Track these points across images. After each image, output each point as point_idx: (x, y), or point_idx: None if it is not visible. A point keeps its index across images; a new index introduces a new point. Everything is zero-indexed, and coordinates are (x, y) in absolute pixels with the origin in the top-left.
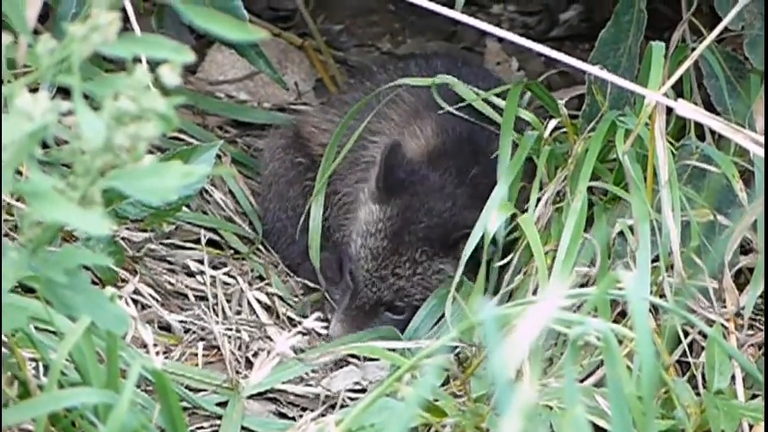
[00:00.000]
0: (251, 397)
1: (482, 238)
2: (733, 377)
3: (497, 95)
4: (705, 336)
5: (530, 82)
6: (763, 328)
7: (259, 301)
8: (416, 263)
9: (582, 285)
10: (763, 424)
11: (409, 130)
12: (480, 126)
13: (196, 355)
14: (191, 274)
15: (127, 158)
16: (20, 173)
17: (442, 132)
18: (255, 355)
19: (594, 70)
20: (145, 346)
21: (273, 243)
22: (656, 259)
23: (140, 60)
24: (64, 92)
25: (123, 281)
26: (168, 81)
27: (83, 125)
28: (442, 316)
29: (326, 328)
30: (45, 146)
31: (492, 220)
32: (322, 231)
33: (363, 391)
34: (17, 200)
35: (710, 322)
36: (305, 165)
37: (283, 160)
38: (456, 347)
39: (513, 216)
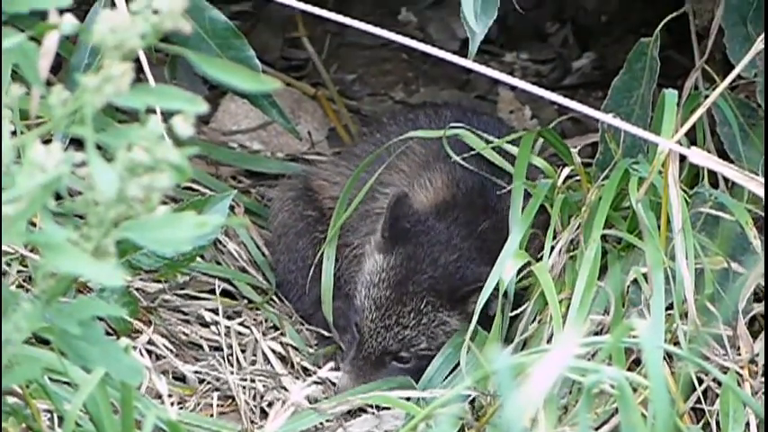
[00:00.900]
0: None
1: (495, 287)
2: (747, 424)
3: (510, 143)
4: (719, 383)
5: (543, 129)
6: None
7: (273, 351)
8: (421, 313)
9: (596, 333)
10: None
11: (419, 181)
12: (492, 180)
13: (211, 405)
14: (205, 325)
15: (140, 209)
16: (33, 224)
17: (453, 184)
18: (270, 405)
19: (608, 118)
20: (159, 396)
21: (285, 294)
22: (670, 307)
23: (154, 111)
24: (77, 143)
25: (137, 331)
26: (181, 132)
27: (96, 176)
28: (457, 365)
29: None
30: (58, 197)
31: (506, 269)
32: (334, 282)
33: None
34: (31, 251)
35: (725, 369)
36: (314, 217)
37: (292, 212)
38: (471, 396)
39: (525, 264)
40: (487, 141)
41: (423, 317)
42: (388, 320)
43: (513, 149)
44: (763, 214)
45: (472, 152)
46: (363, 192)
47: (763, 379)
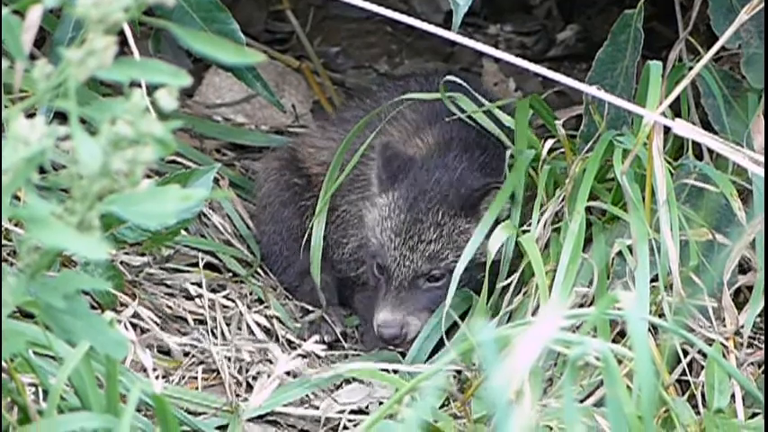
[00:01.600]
0: (251, 420)
1: (483, 258)
2: (733, 396)
3: (496, 111)
4: (704, 355)
5: (531, 97)
6: (762, 346)
7: (258, 324)
8: (440, 225)
9: (581, 305)
10: None
11: (411, 143)
12: (486, 135)
13: (196, 378)
14: (189, 298)
15: (124, 183)
16: (18, 198)
17: (445, 135)
18: (255, 377)
19: (592, 90)
20: (144, 369)
21: (270, 266)
22: (654, 279)
23: (138, 84)
24: (61, 116)
25: (122, 305)
26: (165, 105)
27: (80, 150)
28: (442, 341)
29: (328, 349)
30: (42, 171)
31: (494, 240)
32: (321, 252)
33: (364, 413)
34: (15, 225)
35: (710, 341)
36: (301, 185)
37: (278, 181)
38: (456, 369)
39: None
40: (479, 105)
41: (443, 228)
42: (411, 241)
43: (502, 117)
44: (747, 186)
45: (464, 113)
46: (356, 158)
47: (748, 350)
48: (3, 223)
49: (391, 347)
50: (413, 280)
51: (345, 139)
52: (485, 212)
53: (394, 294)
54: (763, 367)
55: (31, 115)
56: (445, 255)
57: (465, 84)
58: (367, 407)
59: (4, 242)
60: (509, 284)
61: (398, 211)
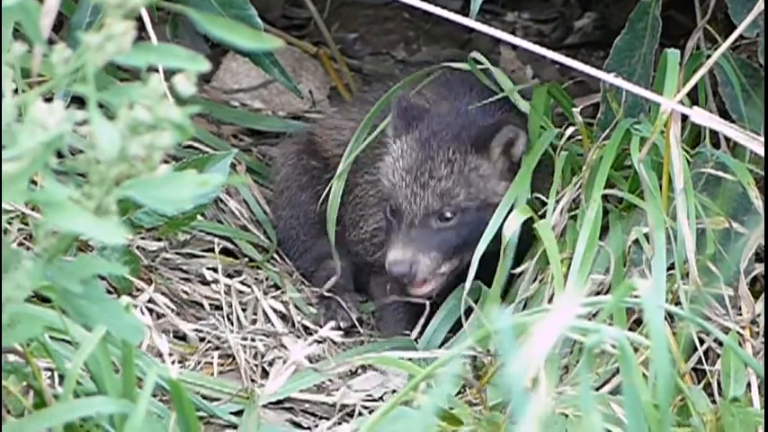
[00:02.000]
0: (266, 406)
1: (498, 242)
2: (749, 385)
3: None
4: (721, 343)
5: (550, 84)
6: None
7: (274, 310)
8: (451, 161)
9: (597, 293)
10: None
11: None
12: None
13: (211, 363)
14: (205, 283)
15: (142, 168)
16: (35, 182)
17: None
18: (271, 363)
19: (609, 78)
20: (160, 355)
21: (287, 251)
22: (671, 267)
23: (155, 69)
24: (78, 101)
25: (138, 290)
26: (184, 90)
27: (98, 135)
28: (456, 326)
29: (344, 335)
30: (60, 155)
31: (509, 224)
32: (336, 239)
33: (379, 400)
34: (32, 209)
35: (726, 330)
36: (319, 169)
37: (296, 165)
38: (472, 355)
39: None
40: (501, 89)
41: (454, 164)
42: (422, 178)
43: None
44: (764, 174)
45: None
46: (374, 135)
47: (764, 339)
48: (20, 207)
49: (404, 284)
50: (424, 218)
51: (366, 118)
52: (496, 150)
53: (405, 232)
54: None
55: (48, 100)
56: (456, 192)
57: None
58: (381, 397)
59: (21, 226)
60: (524, 272)
61: (410, 150)
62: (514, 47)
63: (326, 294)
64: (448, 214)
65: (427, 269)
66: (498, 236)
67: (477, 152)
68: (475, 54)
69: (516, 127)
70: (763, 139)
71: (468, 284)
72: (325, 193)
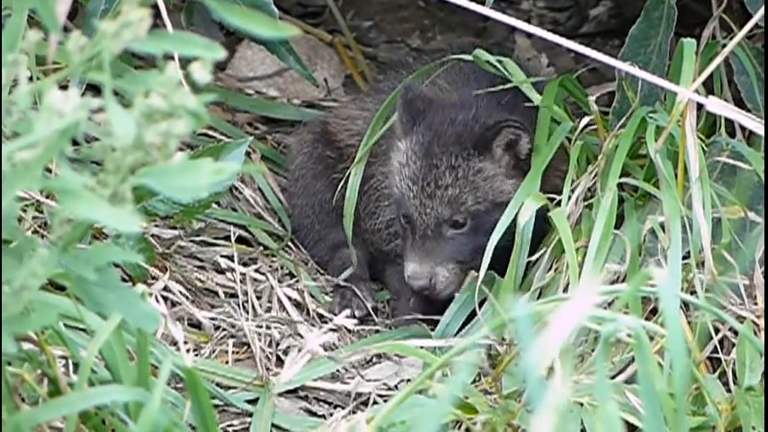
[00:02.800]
0: (281, 394)
1: (512, 232)
2: (764, 374)
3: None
4: (736, 332)
5: (564, 77)
6: None
7: (289, 298)
8: (455, 167)
9: (612, 282)
10: None
11: None
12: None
13: (226, 352)
14: (220, 271)
15: (157, 156)
16: (49, 170)
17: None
18: (286, 352)
19: (625, 67)
20: (175, 343)
21: (302, 239)
22: (686, 256)
23: (171, 57)
24: (93, 89)
25: (153, 278)
26: (199, 78)
27: (113, 122)
28: (471, 316)
29: (359, 324)
30: (75, 143)
31: (524, 211)
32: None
33: (394, 389)
34: (46, 197)
35: (741, 319)
36: (333, 158)
37: (311, 154)
38: (487, 344)
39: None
40: (510, 81)
41: (458, 170)
42: (428, 188)
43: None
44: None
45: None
46: (388, 124)
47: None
48: (34, 195)
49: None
50: (436, 227)
51: (381, 109)
52: (498, 151)
53: (420, 244)
54: None
55: (62, 87)
56: (464, 198)
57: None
58: (396, 385)
59: (36, 214)
60: (539, 260)
61: (414, 157)
62: (529, 35)
63: (341, 283)
64: (460, 220)
65: (446, 280)
66: (511, 229)
67: (480, 155)
68: (481, 50)
69: (517, 128)
70: None
71: (481, 273)
72: (340, 184)
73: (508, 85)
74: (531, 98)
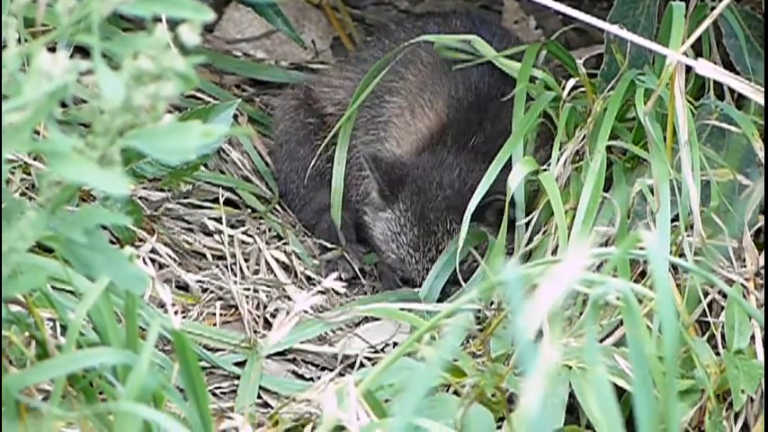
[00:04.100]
0: (269, 356)
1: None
2: (753, 337)
3: (515, 56)
4: (725, 295)
5: (548, 41)
6: None
7: (277, 260)
8: (450, 232)
9: (601, 245)
10: None
11: (419, 102)
12: (492, 92)
13: (214, 314)
14: (208, 234)
15: (146, 118)
16: (37, 132)
17: (452, 105)
18: (273, 314)
19: (614, 29)
20: (162, 305)
21: (288, 203)
22: (675, 219)
23: (159, 19)
24: (81, 51)
25: (141, 240)
26: (188, 40)
27: (102, 85)
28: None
29: (347, 287)
30: (63, 105)
31: (514, 175)
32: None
33: (381, 351)
34: (35, 159)
35: (730, 282)
36: (315, 125)
37: (294, 120)
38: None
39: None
40: (496, 51)
41: (452, 234)
42: (430, 254)
43: (518, 64)
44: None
45: (477, 61)
46: (367, 91)
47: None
48: (23, 157)
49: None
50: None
51: (363, 80)
52: (491, 218)
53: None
54: None
55: (50, 50)
56: (466, 259)
57: (485, 23)
58: (383, 348)
59: (24, 176)
60: (528, 223)
61: (410, 225)
62: None
63: (328, 245)
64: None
65: None
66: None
67: (474, 221)
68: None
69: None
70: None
71: (462, 235)
72: (318, 151)
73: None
74: (508, 73)
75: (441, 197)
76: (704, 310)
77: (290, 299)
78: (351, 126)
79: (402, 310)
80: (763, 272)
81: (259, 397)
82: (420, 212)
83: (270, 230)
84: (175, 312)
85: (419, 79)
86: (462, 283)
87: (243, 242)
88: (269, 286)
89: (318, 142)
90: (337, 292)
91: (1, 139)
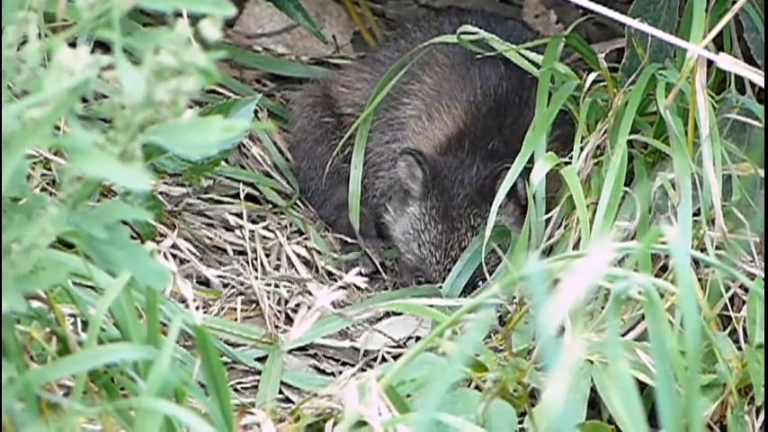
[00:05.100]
0: (290, 352)
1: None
2: None
3: (535, 48)
4: (746, 290)
5: (568, 34)
6: None
7: (298, 256)
8: (474, 228)
9: (622, 240)
10: None
11: (437, 107)
12: (511, 95)
13: (235, 309)
14: (229, 229)
15: (167, 113)
16: (58, 128)
17: (469, 111)
18: (295, 309)
19: (635, 23)
20: (183, 301)
21: (308, 199)
22: (696, 213)
23: (180, 14)
24: (101, 46)
25: (161, 235)
26: (209, 35)
27: (123, 80)
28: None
29: (367, 281)
30: (84, 101)
31: (536, 171)
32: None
33: (403, 346)
34: (54, 154)
35: (752, 276)
36: (332, 124)
37: (311, 118)
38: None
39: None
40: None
41: (477, 230)
42: (452, 251)
43: (537, 57)
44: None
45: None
46: (383, 93)
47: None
48: (43, 152)
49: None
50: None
51: (379, 83)
52: (501, 195)
53: None
54: None
55: (71, 45)
56: (487, 259)
57: (501, 20)
58: (405, 343)
59: (44, 172)
60: (549, 218)
61: (434, 222)
62: None
63: (349, 240)
64: (479, 283)
65: None
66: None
67: (488, 203)
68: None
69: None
70: None
71: (488, 232)
72: (335, 150)
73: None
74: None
75: (461, 194)
76: (726, 304)
77: (311, 294)
78: (367, 128)
79: (423, 305)
80: None
81: (280, 392)
82: (444, 210)
83: (291, 226)
84: (196, 308)
85: (435, 81)
86: (488, 276)
87: (264, 237)
88: (290, 281)
89: (335, 141)
90: (358, 288)
91: (1, 139)
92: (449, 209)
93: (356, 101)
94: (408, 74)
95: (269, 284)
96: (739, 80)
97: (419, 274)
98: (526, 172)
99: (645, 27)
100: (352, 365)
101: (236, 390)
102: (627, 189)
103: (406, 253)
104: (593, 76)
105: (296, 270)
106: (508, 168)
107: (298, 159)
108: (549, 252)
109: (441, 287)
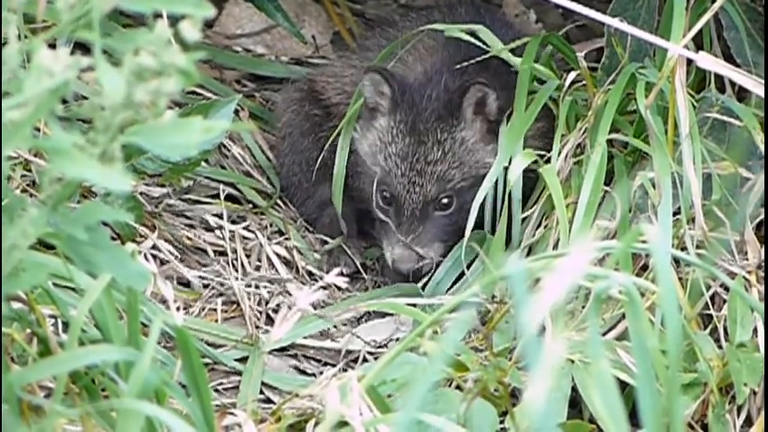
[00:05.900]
0: (271, 352)
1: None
2: (755, 330)
3: (520, 50)
4: (727, 289)
5: (549, 34)
6: None
7: (278, 256)
8: (441, 142)
9: (602, 239)
10: None
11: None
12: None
13: (215, 310)
14: (209, 229)
15: (147, 114)
16: (38, 129)
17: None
18: (275, 310)
19: (614, 22)
20: (164, 301)
21: (290, 197)
22: (677, 212)
23: (160, 15)
24: (81, 47)
25: (142, 236)
26: (189, 36)
27: (103, 81)
28: (462, 274)
29: (348, 281)
30: (64, 102)
31: (513, 168)
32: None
33: (384, 347)
34: (35, 155)
35: (732, 275)
36: (319, 116)
37: (298, 112)
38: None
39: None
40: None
41: (444, 144)
42: (418, 164)
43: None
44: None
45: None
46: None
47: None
48: (23, 154)
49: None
50: (423, 208)
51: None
52: (469, 112)
53: (406, 227)
54: None
55: (50, 46)
56: (452, 175)
57: (489, 11)
58: (386, 343)
59: (25, 173)
60: (529, 217)
61: (401, 135)
62: None
63: (329, 240)
64: (445, 200)
65: (431, 263)
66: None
67: (457, 120)
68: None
69: (483, 85)
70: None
71: (467, 232)
72: (327, 143)
73: (487, 56)
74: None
75: (430, 109)
76: (706, 303)
77: (291, 294)
78: (356, 115)
79: (404, 304)
80: (764, 264)
81: (261, 393)
82: (412, 123)
83: (271, 226)
84: (177, 309)
85: (415, 58)
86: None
87: (244, 238)
88: (270, 282)
89: (323, 134)
90: (339, 288)
91: (1, 139)
92: (416, 123)
93: (345, 88)
94: (398, 61)
95: (249, 285)
96: (719, 79)
97: (384, 188)
98: (497, 85)
99: (624, 26)
100: (333, 366)
101: (217, 390)
102: (607, 188)
103: (372, 165)
104: (572, 75)
105: (276, 270)
106: (477, 83)
107: (282, 155)
108: (528, 252)
109: (422, 288)
